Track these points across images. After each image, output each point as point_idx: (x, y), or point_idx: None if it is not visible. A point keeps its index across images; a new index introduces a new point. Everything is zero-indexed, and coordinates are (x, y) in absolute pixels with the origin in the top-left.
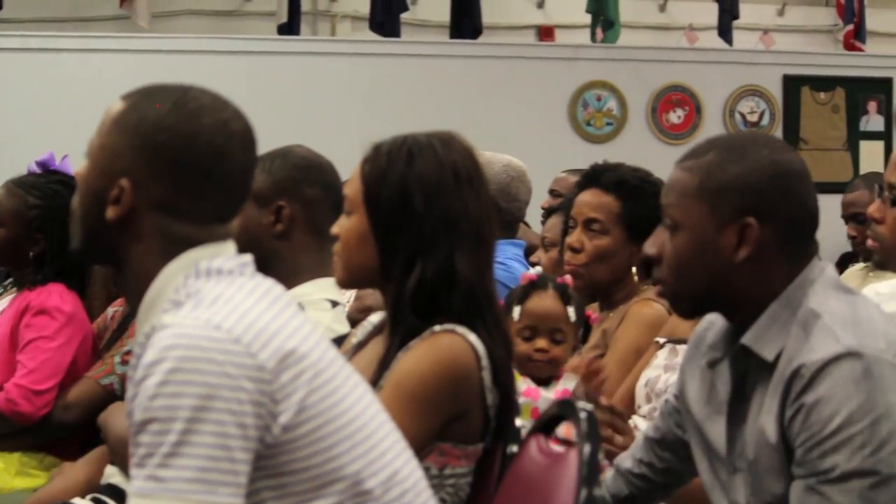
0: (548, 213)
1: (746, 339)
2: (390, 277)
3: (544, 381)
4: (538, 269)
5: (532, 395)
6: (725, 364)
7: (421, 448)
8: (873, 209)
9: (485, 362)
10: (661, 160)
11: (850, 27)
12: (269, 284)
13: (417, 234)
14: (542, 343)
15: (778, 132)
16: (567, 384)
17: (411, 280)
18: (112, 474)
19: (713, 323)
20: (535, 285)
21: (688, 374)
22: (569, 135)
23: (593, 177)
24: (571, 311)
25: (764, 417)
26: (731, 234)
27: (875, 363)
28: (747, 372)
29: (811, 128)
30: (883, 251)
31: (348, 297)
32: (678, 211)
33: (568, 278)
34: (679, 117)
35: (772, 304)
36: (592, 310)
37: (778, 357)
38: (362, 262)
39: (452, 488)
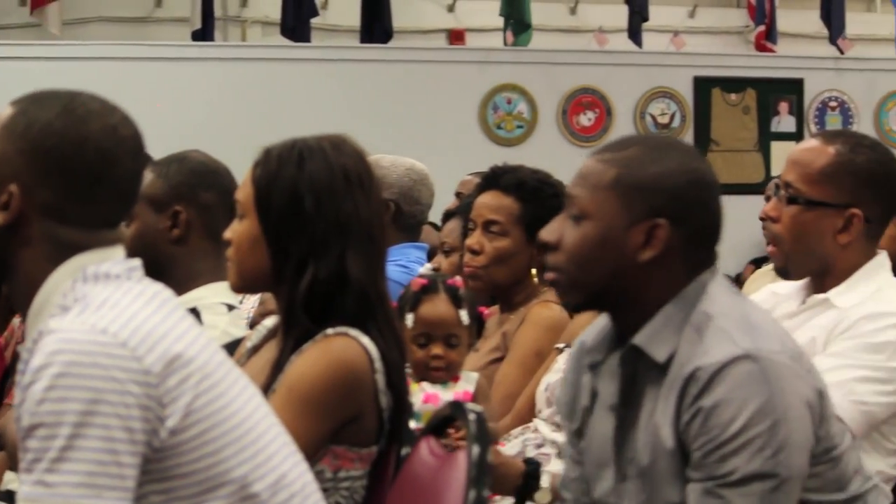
0: (446, 216)
1: (638, 340)
2: (283, 280)
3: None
4: (428, 269)
5: (432, 401)
6: (609, 367)
7: (314, 451)
8: (769, 208)
9: (378, 365)
10: (571, 162)
11: (762, 28)
12: (156, 289)
13: (308, 236)
14: (437, 350)
15: (689, 134)
16: (467, 385)
17: (303, 283)
18: (11, 480)
19: (594, 327)
20: (426, 290)
21: (570, 382)
22: (479, 138)
23: (493, 179)
24: (464, 313)
25: (658, 421)
26: (640, 232)
27: (772, 365)
28: (636, 374)
29: (722, 129)
30: (780, 255)
31: (252, 301)
32: (588, 201)
33: (458, 279)
34: (589, 120)
35: (666, 305)
36: (493, 311)
37: (670, 359)
38: (255, 265)
39: (347, 491)
